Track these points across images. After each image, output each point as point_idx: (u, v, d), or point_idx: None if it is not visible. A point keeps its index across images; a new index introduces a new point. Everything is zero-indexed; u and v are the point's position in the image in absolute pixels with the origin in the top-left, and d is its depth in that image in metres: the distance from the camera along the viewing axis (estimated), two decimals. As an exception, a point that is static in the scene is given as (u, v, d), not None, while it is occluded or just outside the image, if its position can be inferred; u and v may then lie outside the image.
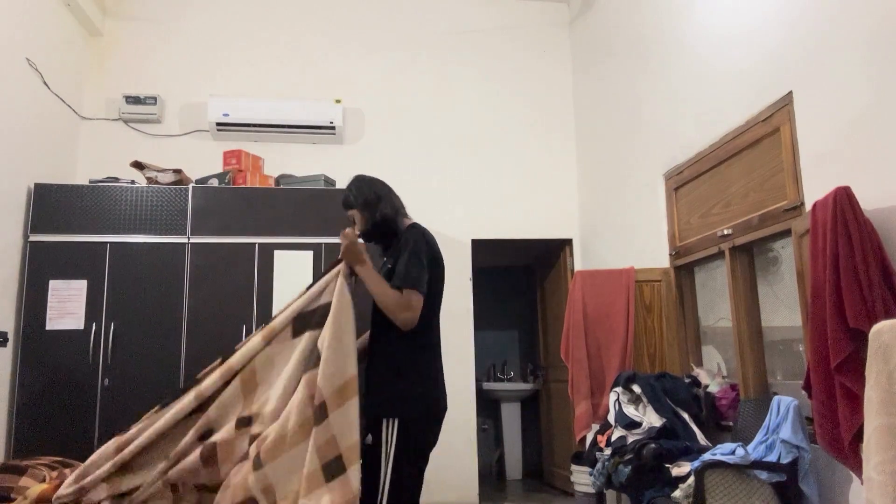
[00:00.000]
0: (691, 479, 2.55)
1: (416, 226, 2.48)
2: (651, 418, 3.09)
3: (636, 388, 3.25)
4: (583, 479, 3.82)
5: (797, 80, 2.77)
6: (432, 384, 2.36)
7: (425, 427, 2.32)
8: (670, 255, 3.89)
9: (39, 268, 4.03)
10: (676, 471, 2.68)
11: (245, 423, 2.23)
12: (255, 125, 4.96)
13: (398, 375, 2.30)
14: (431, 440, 2.36)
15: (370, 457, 2.23)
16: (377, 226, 2.50)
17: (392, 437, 2.21)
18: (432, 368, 2.39)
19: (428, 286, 2.33)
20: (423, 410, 2.31)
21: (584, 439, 3.74)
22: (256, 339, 2.35)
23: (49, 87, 4.37)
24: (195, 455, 2.21)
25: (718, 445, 2.75)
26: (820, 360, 2.28)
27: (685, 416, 3.11)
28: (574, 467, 3.96)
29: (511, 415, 6.26)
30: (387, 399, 2.29)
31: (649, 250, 4.11)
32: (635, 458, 2.85)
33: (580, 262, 5.26)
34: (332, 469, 2.08)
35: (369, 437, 2.26)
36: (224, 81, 5.15)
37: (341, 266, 2.38)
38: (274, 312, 2.78)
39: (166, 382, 4.02)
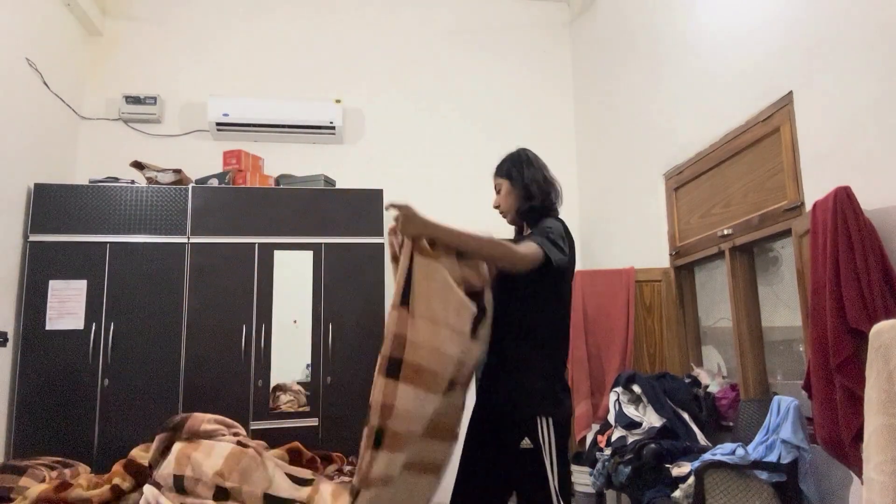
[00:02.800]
0: (691, 480, 2.55)
1: (557, 220, 2.23)
2: (651, 418, 3.09)
3: (636, 389, 3.25)
4: (583, 479, 3.82)
5: (797, 80, 2.77)
6: (568, 388, 2.22)
7: (568, 426, 2.20)
8: (670, 255, 3.89)
9: (39, 268, 4.02)
10: (676, 471, 2.68)
11: None
12: (255, 125, 4.95)
13: (544, 377, 2.11)
14: (567, 436, 2.22)
15: (530, 458, 2.06)
16: (527, 213, 2.25)
17: (551, 435, 2.06)
18: (564, 373, 2.22)
19: (559, 285, 2.12)
20: (568, 410, 2.18)
21: (584, 439, 3.74)
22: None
23: (49, 87, 4.37)
24: None
25: (718, 445, 2.75)
26: (820, 360, 2.28)
27: (685, 416, 3.11)
28: (574, 467, 3.96)
29: (511, 415, 6.24)
30: (538, 396, 2.09)
31: (649, 250, 4.11)
32: (635, 458, 2.85)
33: (580, 262, 5.25)
34: None
35: (526, 441, 2.07)
36: (224, 81, 5.14)
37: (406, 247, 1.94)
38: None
39: (166, 382, 4.02)
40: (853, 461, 2.17)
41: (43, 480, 2.96)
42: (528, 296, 2.12)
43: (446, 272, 1.93)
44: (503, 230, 2.33)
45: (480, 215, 5.26)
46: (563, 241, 2.09)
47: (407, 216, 1.95)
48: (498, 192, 2.34)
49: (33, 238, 4.06)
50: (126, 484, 2.79)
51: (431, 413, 1.88)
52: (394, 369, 1.83)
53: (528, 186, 2.26)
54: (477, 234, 2.00)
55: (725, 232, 3.29)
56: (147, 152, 4.85)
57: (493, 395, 2.17)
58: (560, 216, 2.28)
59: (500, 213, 2.36)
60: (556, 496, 2.04)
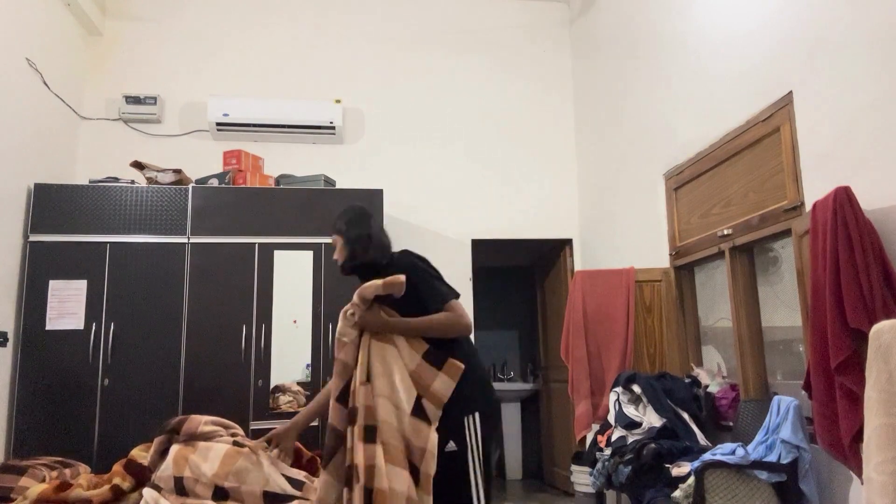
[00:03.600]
0: (691, 479, 2.55)
1: (408, 252, 2.47)
2: (651, 418, 3.09)
3: (636, 388, 3.25)
4: (583, 479, 3.82)
5: (797, 80, 2.77)
6: (487, 376, 2.42)
7: (496, 415, 2.40)
8: (670, 255, 3.89)
9: (39, 268, 4.03)
10: (676, 471, 2.68)
11: None
12: (255, 125, 4.96)
13: (467, 381, 2.28)
14: (499, 426, 2.43)
15: (455, 461, 2.21)
16: (358, 265, 2.48)
17: (477, 432, 2.25)
18: (480, 365, 2.41)
19: None
20: (494, 400, 2.39)
21: (584, 439, 3.75)
22: None
23: (49, 87, 4.37)
24: None
25: (718, 445, 2.75)
26: (820, 360, 2.28)
27: (685, 416, 3.11)
28: (574, 467, 3.96)
29: (511, 415, 6.25)
30: (462, 399, 2.26)
31: (649, 250, 4.11)
32: (635, 458, 2.85)
33: (580, 262, 5.26)
34: None
35: (451, 444, 2.23)
36: (224, 81, 5.15)
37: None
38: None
39: (166, 382, 4.03)
40: (853, 461, 2.17)
41: (43, 480, 2.96)
42: None
43: (397, 353, 2.24)
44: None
45: (480, 214, 5.30)
46: (430, 268, 2.36)
47: (366, 317, 2.26)
48: (335, 247, 2.54)
49: (33, 238, 4.06)
50: (126, 484, 2.79)
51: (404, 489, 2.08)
52: (371, 436, 2.10)
53: (357, 243, 2.46)
54: (423, 319, 2.25)
55: (725, 232, 3.30)
56: (147, 152, 4.85)
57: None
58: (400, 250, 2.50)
59: (342, 272, 2.57)
60: (478, 495, 2.17)
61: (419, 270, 2.34)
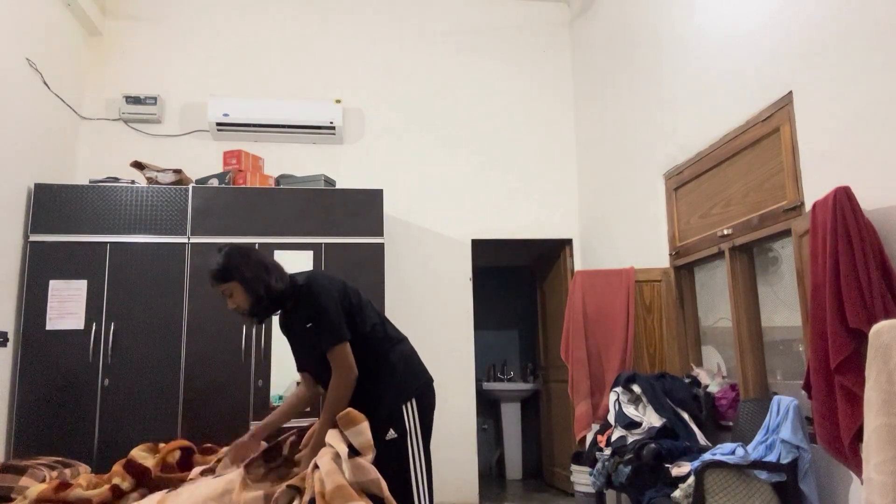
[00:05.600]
0: (691, 479, 2.55)
1: (308, 281, 2.43)
2: (651, 418, 3.09)
3: (636, 388, 3.25)
4: (583, 479, 3.82)
5: (797, 80, 2.77)
6: (416, 360, 2.57)
7: (431, 394, 2.53)
8: (670, 255, 3.89)
9: (39, 268, 4.03)
10: (676, 471, 2.68)
11: None
12: (255, 125, 4.95)
13: (389, 371, 2.45)
14: (434, 404, 2.54)
15: (394, 448, 2.32)
16: (263, 300, 2.36)
17: (415, 416, 2.38)
18: (407, 351, 2.55)
19: (348, 313, 2.43)
20: (424, 380, 2.52)
21: (584, 439, 3.74)
22: None
23: (49, 87, 4.37)
24: None
25: (718, 445, 2.76)
26: (820, 360, 2.28)
27: (685, 416, 3.11)
28: (574, 467, 3.96)
29: (511, 415, 6.26)
30: (395, 391, 2.41)
31: (649, 250, 4.11)
32: (635, 458, 2.85)
33: (580, 262, 5.26)
34: None
35: (391, 432, 2.34)
36: (224, 81, 5.15)
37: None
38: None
39: (166, 382, 4.03)
40: (853, 461, 2.17)
41: (43, 480, 2.96)
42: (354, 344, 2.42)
43: (337, 446, 2.12)
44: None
45: (480, 214, 5.29)
46: (333, 303, 2.38)
47: (304, 462, 2.24)
48: (230, 297, 2.38)
49: (33, 238, 4.06)
50: (126, 484, 2.78)
51: None
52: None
53: (255, 282, 2.34)
54: (324, 421, 2.29)
55: (725, 232, 3.30)
56: (147, 152, 4.85)
57: (363, 406, 2.35)
58: (300, 277, 2.48)
59: (241, 313, 2.44)
60: (418, 481, 2.28)
61: (315, 302, 2.37)
